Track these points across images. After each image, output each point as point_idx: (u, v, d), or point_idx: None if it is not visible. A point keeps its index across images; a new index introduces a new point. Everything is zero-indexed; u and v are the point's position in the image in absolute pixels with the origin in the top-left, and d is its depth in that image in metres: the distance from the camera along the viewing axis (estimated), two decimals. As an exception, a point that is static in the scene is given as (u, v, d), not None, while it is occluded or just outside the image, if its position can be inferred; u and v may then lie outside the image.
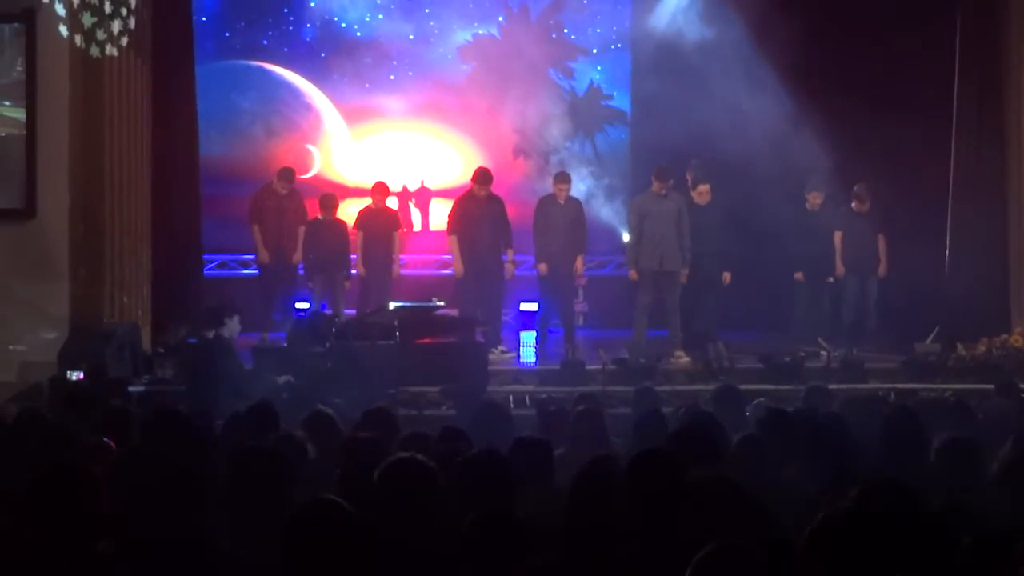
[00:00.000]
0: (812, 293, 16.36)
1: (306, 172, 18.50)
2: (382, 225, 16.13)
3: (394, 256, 16.17)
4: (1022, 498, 5.93)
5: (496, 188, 15.73)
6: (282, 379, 12.15)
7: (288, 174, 16.24)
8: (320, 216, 16.15)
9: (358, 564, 4.67)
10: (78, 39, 12.05)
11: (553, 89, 19.42)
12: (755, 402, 9.89)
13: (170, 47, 15.59)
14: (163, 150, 15.42)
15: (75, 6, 11.93)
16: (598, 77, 19.67)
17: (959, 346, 14.80)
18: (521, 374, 14.35)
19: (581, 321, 17.29)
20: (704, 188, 15.65)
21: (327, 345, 13.31)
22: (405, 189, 19.11)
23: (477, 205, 15.50)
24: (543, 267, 15.48)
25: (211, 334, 12.01)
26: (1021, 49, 16.15)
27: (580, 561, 4.68)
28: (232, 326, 12.03)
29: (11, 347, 13.92)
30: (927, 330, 15.25)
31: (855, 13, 17.07)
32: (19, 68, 14.12)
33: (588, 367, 13.84)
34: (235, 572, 4.92)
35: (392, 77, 19.01)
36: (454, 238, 15.52)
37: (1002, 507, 5.75)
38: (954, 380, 13.75)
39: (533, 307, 15.35)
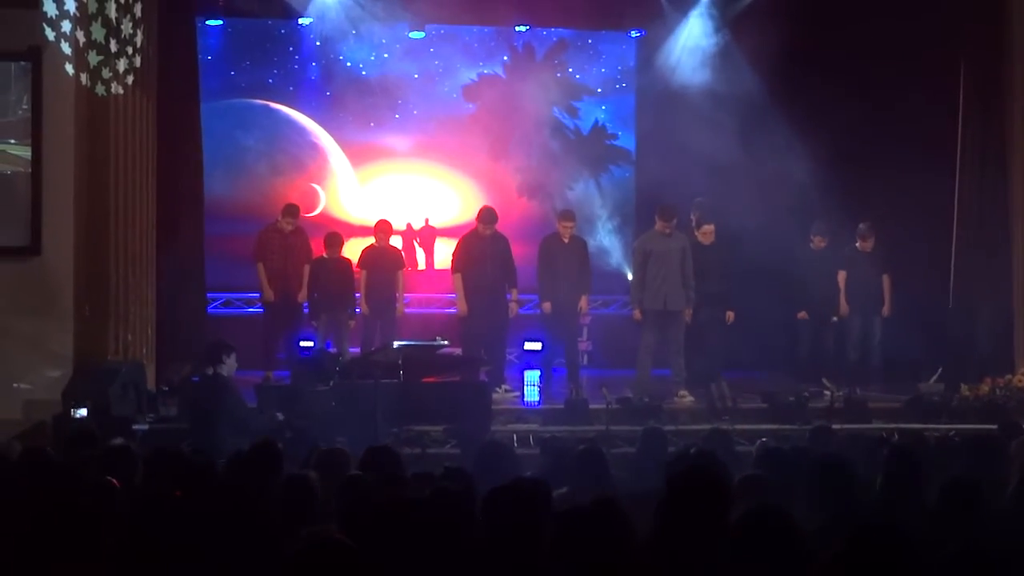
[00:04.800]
0: (816, 332, 16.36)
1: (311, 211, 18.52)
2: (386, 264, 16.09)
3: (398, 295, 16.11)
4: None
5: (500, 227, 15.70)
6: (279, 415, 12.08)
7: (293, 210, 16.17)
8: (325, 254, 16.11)
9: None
10: (84, 77, 12.12)
11: (558, 128, 19.49)
12: (758, 442, 9.87)
13: (175, 85, 15.61)
14: (168, 188, 15.41)
15: (81, 44, 12.01)
16: (603, 116, 19.75)
17: (963, 386, 14.78)
18: (525, 413, 14.31)
19: (585, 360, 17.26)
20: (708, 228, 15.60)
21: (331, 383, 13.30)
22: (409, 227, 19.13)
23: (482, 244, 15.48)
24: (547, 306, 15.41)
25: (210, 372, 11.99)
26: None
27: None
28: (230, 364, 12.00)
29: (16, 385, 13.93)
30: (931, 370, 15.22)
31: (859, 54, 17.08)
32: (25, 106, 14.17)
33: (592, 406, 13.81)
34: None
35: (397, 116, 19.08)
36: (458, 277, 15.48)
37: (1006, 551, 5.71)
38: (958, 420, 13.74)
39: (537, 346, 15.34)
